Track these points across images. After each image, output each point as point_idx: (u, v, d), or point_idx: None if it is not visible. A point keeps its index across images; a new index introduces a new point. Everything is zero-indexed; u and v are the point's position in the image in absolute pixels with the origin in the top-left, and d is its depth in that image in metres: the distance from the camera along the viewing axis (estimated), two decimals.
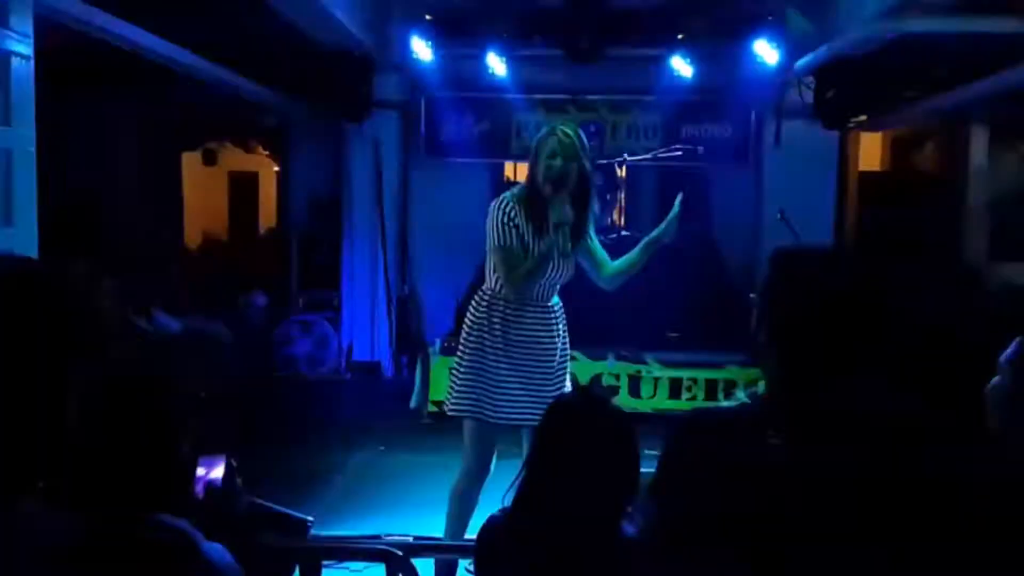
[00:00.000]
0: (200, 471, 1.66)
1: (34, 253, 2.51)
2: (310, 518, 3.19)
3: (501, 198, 3.09)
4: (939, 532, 1.35)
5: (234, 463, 1.71)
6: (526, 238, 3.04)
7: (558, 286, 3.18)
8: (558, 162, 2.97)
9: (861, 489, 1.36)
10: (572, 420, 1.74)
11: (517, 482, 1.79)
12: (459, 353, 3.19)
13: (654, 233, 3.17)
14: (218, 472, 1.68)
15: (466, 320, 3.20)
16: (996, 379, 1.57)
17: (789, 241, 5.62)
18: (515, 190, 3.13)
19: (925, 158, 8.80)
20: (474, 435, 3.13)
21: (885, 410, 1.57)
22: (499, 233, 3.01)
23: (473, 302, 3.20)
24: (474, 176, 7.72)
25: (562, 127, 3.05)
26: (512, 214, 3.02)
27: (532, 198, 3.04)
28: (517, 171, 8.22)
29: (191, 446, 1.61)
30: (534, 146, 3.07)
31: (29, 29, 2.49)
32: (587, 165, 3.03)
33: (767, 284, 1.59)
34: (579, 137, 3.03)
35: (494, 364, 3.09)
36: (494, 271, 3.10)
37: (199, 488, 1.67)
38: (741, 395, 5.78)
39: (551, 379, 3.15)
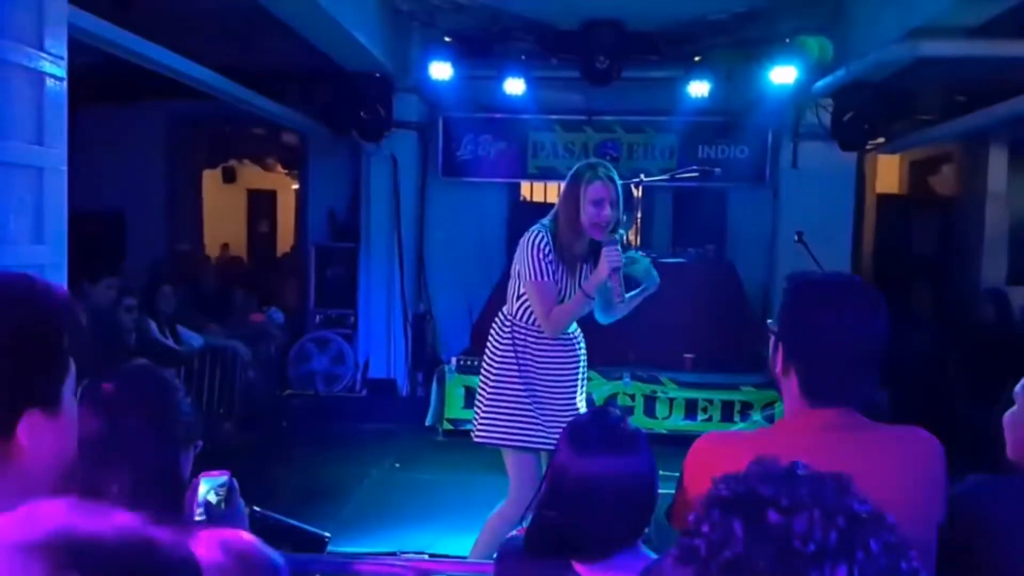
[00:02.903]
0: (202, 488, 1.65)
1: (64, 271, 2.56)
2: (327, 534, 3.22)
3: (534, 231, 3.03)
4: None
5: (235, 482, 1.69)
6: (559, 276, 3.01)
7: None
8: (608, 211, 2.93)
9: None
10: (588, 438, 1.75)
11: (535, 500, 1.80)
12: (483, 379, 3.18)
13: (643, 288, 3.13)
14: (221, 491, 1.65)
15: (489, 345, 3.18)
16: (1014, 408, 1.58)
17: (806, 263, 5.61)
18: (547, 223, 3.05)
19: (943, 181, 8.79)
20: (520, 466, 3.08)
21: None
22: (534, 268, 2.97)
23: (496, 327, 3.18)
24: (490, 195, 7.78)
25: (605, 170, 2.99)
26: (547, 250, 2.97)
27: (569, 238, 2.99)
28: (533, 190, 8.28)
29: (199, 463, 1.61)
30: (573, 184, 2.99)
31: (63, 51, 2.55)
32: (621, 208, 3.01)
33: (783, 309, 1.60)
34: (616, 178, 3.00)
35: (518, 391, 3.08)
36: (518, 298, 3.08)
37: (199, 508, 1.66)
38: (757, 417, 5.77)
39: (574, 402, 3.15)
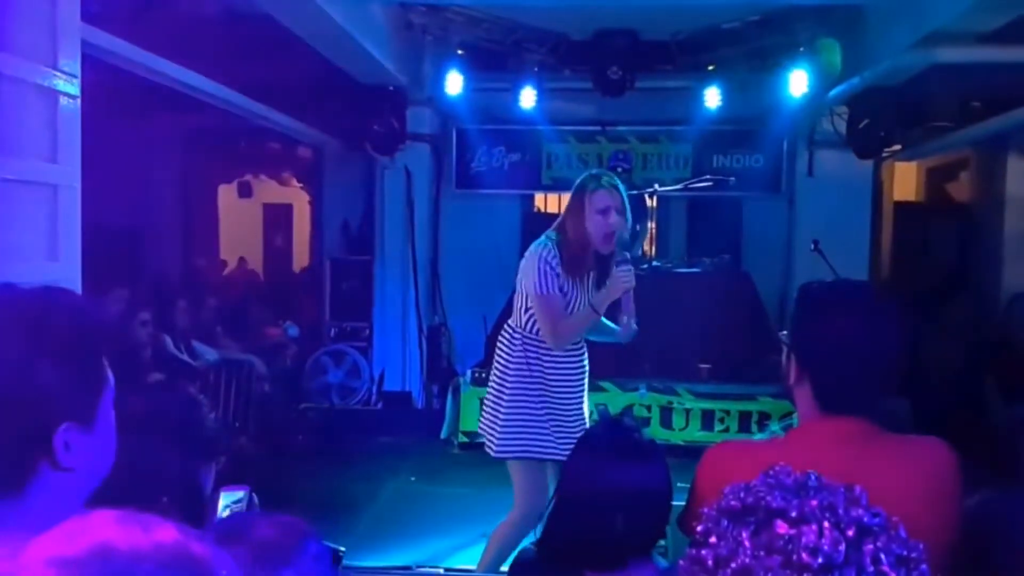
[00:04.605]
0: (220, 504, 1.65)
1: (77, 287, 2.57)
2: (342, 548, 3.21)
3: (540, 244, 3.03)
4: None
5: (255, 497, 1.69)
6: (565, 288, 3.01)
7: None
8: (613, 218, 2.94)
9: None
10: (601, 449, 1.74)
11: (547, 514, 1.79)
12: (495, 393, 3.17)
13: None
14: (238, 507, 1.65)
15: (499, 359, 3.19)
16: None
17: (823, 272, 5.57)
18: (551, 235, 3.06)
19: (961, 188, 8.70)
20: (527, 475, 3.10)
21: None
22: (540, 281, 2.97)
23: (504, 340, 3.18)
24: (504, 207, 7.78)
25: (608, 178, 2.99)
26: (554, 263, 2.98)
27: (571, 245, 3.00)
28: (547, 202, 8.28)
29: (215, 477, 1.61)
30: (578, 195, 3.00)
31: (77, 69, 2.58)
32: (629, 217, 3.02)
33: (795, 319, 1.59)
34: (621, 187, 3.00)
35: (535, 403, 3.09)
36: (526, 311, 3.08)
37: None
38: (776, 428, 5.71)
39: (582, 410, 3.16)
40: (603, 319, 3.21)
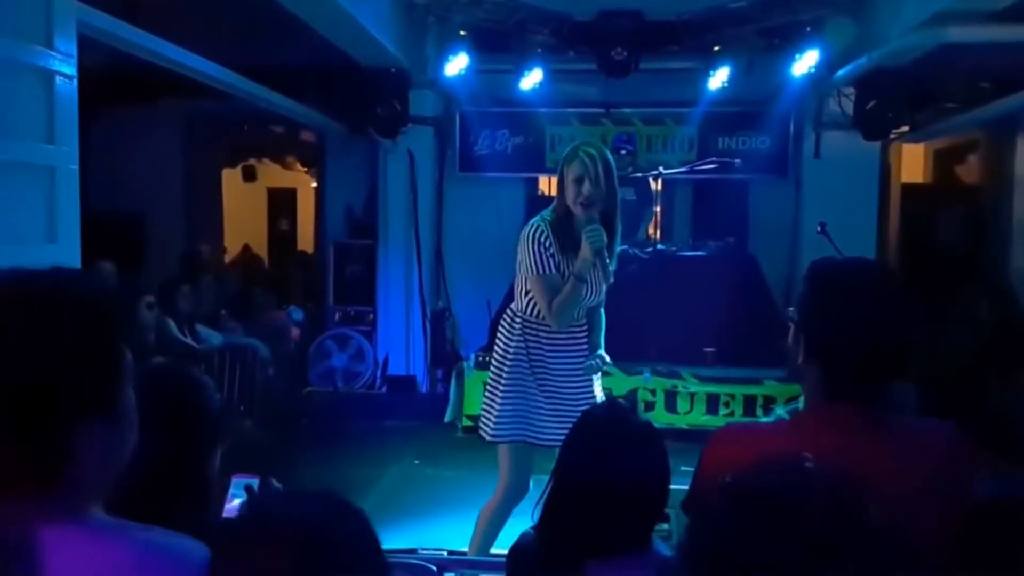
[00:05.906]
0: (232, 491, 1.63)
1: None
2: None
3: (532, 224, 3.03)
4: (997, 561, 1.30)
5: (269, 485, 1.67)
6: (561, 265, 2.99)
7: (589, 306, 3.16)
8: (587, 187, 2.92)
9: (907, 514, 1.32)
10: (597, 433, 1.72)
11: (544, 497, 1.77)
12: (493, 377, 3.15)
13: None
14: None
15: (498, 342, 3.17)
16: None
17: (830, 255, 5.52)
18: (546, 214, 3.06)
19: (969, 169, 8.63)
20: (514, 458, 3.10)
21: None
22: (534, 261, 2.97)
23: (504, 323, 3.16)
24: (508, 190, 7.74)
25: (585, 148, 2.99)
26: (547, 243, 2.97)
27: (563, 221, 3.00)
28: (552, 185, 8.23)
29: (221, 461, 1.59)
30: (560, 167, 3.04)
31: (73, 49, 2.55)
32: (614, 184, 2.99)
33: (804, 298, 1.56)
34: (603, 155, 2.97)
35: (533, 388, 3.07)
36: (525, 294, 3.07)
37: (233, 509, 1.64)
38: (781, 411, 5.68)
39: (584, 395, 3.13)
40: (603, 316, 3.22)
